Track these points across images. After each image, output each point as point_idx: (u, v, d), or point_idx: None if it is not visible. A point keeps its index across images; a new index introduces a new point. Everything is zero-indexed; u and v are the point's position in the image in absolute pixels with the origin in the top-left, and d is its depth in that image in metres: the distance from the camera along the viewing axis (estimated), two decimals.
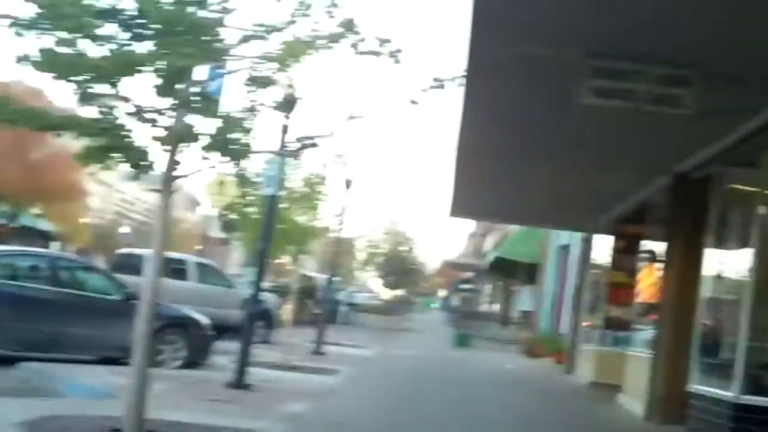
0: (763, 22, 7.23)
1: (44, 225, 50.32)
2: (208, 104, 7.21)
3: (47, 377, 11.91)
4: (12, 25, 6.30)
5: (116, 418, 7.35)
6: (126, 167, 7.20)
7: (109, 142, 6.97)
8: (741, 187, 11.77)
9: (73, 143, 7.27)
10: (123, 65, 6.40)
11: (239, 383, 12.17)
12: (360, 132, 26.55)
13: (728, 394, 9.95)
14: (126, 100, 6.85)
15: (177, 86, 6.80)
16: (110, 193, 70.56)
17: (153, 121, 6.91)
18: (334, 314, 28.70)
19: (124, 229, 64.26)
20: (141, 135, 6.99)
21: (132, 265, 18.67)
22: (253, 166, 15.42)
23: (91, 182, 50.89)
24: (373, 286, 76.11)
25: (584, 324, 20.91)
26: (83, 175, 41.46)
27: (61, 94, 7.45)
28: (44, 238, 50.64)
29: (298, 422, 10.01)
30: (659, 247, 15.31)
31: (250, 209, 17.86)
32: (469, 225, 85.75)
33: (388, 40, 7.02)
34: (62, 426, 7.96)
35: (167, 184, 7.16)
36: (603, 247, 20.22)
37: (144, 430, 7.04)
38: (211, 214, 30.43)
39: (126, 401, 7.07)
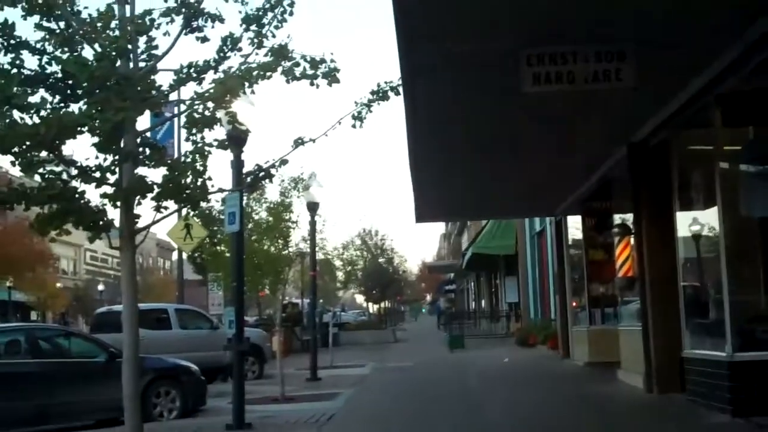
0: None
1: (19, 296, 49.73)
2: (154, 153, 7.15)
3: None
4: None
5: None
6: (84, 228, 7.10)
7: (61, 207, 6.86)
8: (698, 147, 11.84)
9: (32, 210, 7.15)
10: (58, 129, 6.30)
11: (239, 424, 11.97)
12: (317, 153, 26.50)
13: (721, 354, 9.92)
14: (69, 162, 6.77)
15: (118, 141, 6.71)
16: (80, 254, 69.87)
17: (100, 180, 6.81)
18: (323, 338, 28.51)
19: (101, 288, 63.66)
20: (93, 195, 6.92)
21: (112, 323, 18.45)
22: (214, 205, 15.39)
23: (57, 246, 50.30)
24: (359, 303, 76.09)
25: (572, 306, 20.93)
26: (47, 241, 40.86)
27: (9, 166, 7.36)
28: (21, 309, 50.10)
29: None
30: (630, 219, 15.37)
31: (219, 248, 17.80)
32: (439, 227, 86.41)
33: (322, 61, 7.00)
34: None
35: (127, 239, 7.06)
36: (576, 228, 20.27)
37: None
38: (183, 258, 30.15)
39: None
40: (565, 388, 15.45)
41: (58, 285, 56.43)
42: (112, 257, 66.98)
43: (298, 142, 7.68)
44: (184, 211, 8.05)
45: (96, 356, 14.01)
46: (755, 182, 10.35)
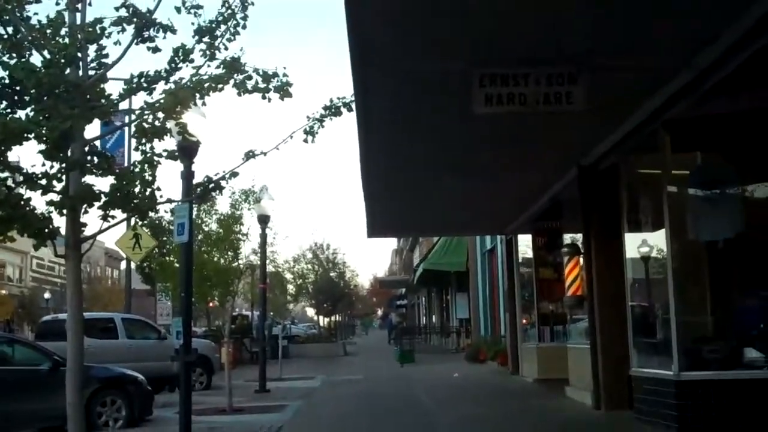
0: (634, 12, 7.43)
1: None
2: (102, 162, 7.06)
3: None
4: None
5: None
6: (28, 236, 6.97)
7: (5, 214, 6.74)
8: (647, 171, 12.00)
9: None
10: (4, 135, 6.19)
11: None
12: (268, 166, 26.44)
13: (668, 372, 10.08)
14: (15, 169, 6.66)
15: (66, 148, 6.62)
16: (26, 261, 68.80)
17: (47, 187, 6.71)
18: (273, 350, 28.37)
19: (47, 296, 62.73)
20: (39, 202, 6.81)
21: (58, 331, 18.21)
22: (164, 216, 15.27)
23: (3, 253, 49.53)
24: (309, 316, 75.82)
25: (522, 323, 21.06)
26: None
27: None
28: None
29: None
30: (580, 238, 15.51)
31: (168, 258, 17.64)
32: (392, 242, 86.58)
33: (274, 75, 6.98)
34: None
35: (73, 247, 6.96)
36: (526, 246, 20.42)
37: None
38: (132, 268, 29.87)
39: None
40: (514, 404, 15.53)
41: (3, 292, 55.49)
42: (59, 265, 65.99)
43: (249, 155, 7.63)
44: (132, 221, 7.95)
45: (40, 364, 13.83)
46: (702, 206, 10.52)
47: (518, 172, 13.94)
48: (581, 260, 14.99)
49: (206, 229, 16.48)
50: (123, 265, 52.99)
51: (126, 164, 19.85)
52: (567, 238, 17.03)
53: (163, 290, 25.31)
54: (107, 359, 16.81)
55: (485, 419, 13.43)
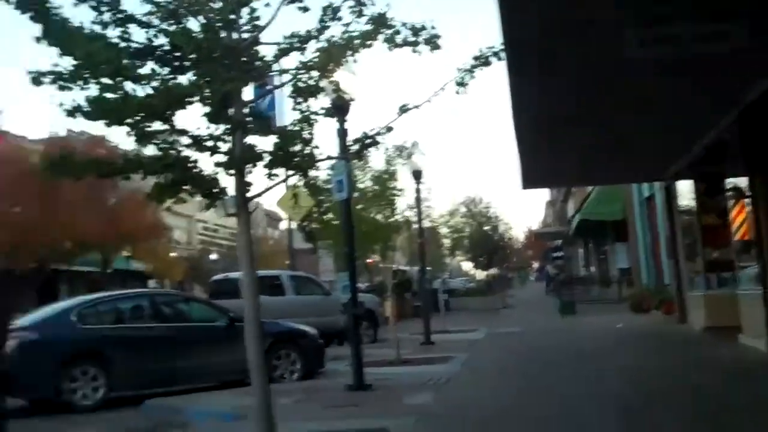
0: None
1: (137, 265, 51.46)
2: (262, 123, 7.30)
3: (173, 410, 12.11)
4: (54, 80, 6.46)
5: None
6: (198, 197, 7.31)
7: (176, 177, 7.08)
8: None
9: (145, 182, 7.41)
10: (169, 100, 6.51)
11: (359, 385, 12.40)
12: (420, 121, 26.53)
13: None
14: (182, 132, 6.98)
15: (227, 111, 6.89)
16: (192, 224, 71.64)
17: (213, 149, 7.01)
18: (433, 304, 28.63)
19: (213, 257, 65.21)
20: (206, 164, 7.11)
21: (229, 290, 19.10)
22: (322, 174, 15.65)
23: (171, 217, 51.84)
24: (466, 270, 76.03)
25: (687, 271, 20.51)
26: (161, 211, 42.04)
27: (123, 138, 7.60)
28: (139, 278, 51.85)
29: (426, 413, 10.12)
30: (744, 182, 14.96)
31: (327, 216, 18.08)
32: (545, 193, 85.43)
33: (423, 28, 7.01)
34: None
35: (241, 206, 7.25)
36: (688, 192, 19.82)
37: None
38: (293, 227, 30.68)
39: (254, 420, 7.14)
40: (686, 352, 15.26)
41: (173, 254, 57.99)
42: (223, 227, 68.60)
43: (404, 109, 7.69)
44: (292, 180, 8.21)
45: (217, 321, 14.55)
46: None
47: (676, 115, 13.50)
48: (747, 204, 14.47)
49: (362, 186, 16.79)
50: (282, 225, 54.42)
51: (278, 125, 20.39)
52: (729, 182, 16.43)
53: (326, 247, 25.86)
54: (275, 315, 17.39)
55: (656, 369, 13.16)
